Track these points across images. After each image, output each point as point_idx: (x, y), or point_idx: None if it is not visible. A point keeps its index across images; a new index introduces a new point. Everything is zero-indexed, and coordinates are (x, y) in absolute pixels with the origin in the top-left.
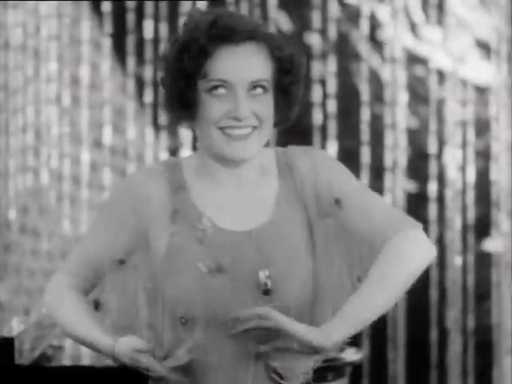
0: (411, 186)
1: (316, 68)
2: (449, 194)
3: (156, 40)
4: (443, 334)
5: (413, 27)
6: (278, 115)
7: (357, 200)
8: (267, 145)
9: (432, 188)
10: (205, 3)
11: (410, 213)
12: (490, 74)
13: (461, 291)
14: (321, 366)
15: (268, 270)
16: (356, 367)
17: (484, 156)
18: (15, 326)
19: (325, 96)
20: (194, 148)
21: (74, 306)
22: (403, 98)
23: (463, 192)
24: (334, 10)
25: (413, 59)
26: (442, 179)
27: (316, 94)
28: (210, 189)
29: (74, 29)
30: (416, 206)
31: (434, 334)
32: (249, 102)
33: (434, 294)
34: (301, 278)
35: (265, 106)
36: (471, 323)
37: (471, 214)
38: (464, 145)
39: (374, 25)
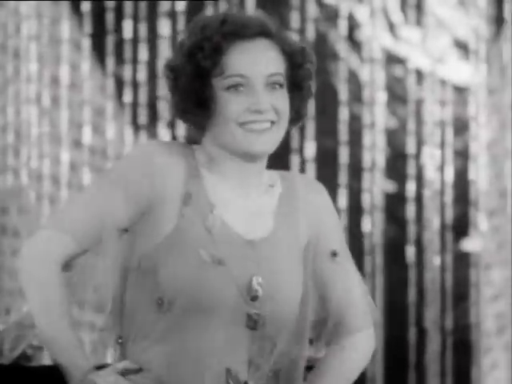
0: (389, 186)
1: None
2: (427, 193)
3: (135, 40)
4: (421, 333)
5: (391, 27)
6: (293, 111)
7: (347, 265)
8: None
9: (410, 188)
10: (184, 3)
11: (388, 213)
12: (469, 74)
13: (439, 291)
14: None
15: (261, 277)
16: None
17: (462, 156)
18: None
19: None
20: None
21: (52, 293)
22: (382, 98)
23: (441, 192)
24: (312, 10)
25: (391, 59)
26: (420, 179)
27: None
28: (220, 185)
29: (53, 29)
30: (394, 205)
31: (412, 334)
32: (267, 96)
33: (412, 293)
34: (290, 295)
35: (282, 100)
36: (449, 323)
37: (449, 214)
38: (442, 145)
39: (353, 25)
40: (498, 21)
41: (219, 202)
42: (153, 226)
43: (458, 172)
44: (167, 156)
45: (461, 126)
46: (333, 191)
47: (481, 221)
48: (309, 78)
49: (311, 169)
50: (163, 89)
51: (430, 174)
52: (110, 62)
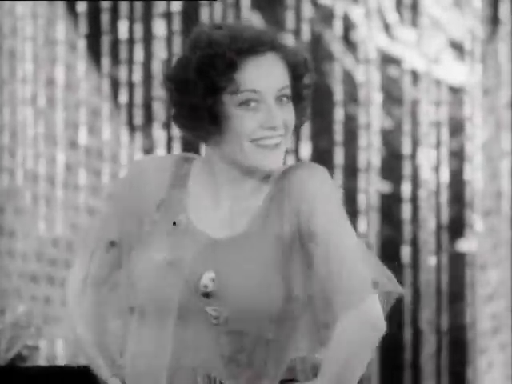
0: (385, 187)
1: None
2: (423, 194)
3: (131, 40)
4: (417, 334)
5: (387, 28)
6: (295, 122)
7: (330, 244)
8: None
9: (406, 188)
10: (179, 4)
11: (383, 213)
12: (464, 75)
13: (434, 291)
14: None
15: (215, 273)
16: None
17: (458, 156)
18: None
19: None
20: (169, 149)
21: (86, 315)
22: (377, 98)
23: (437, 192)
24: (307, 10)
25: (387, 60)
26: (415, 179)
27: None
28: (206, 191)
29: (49, 29)
30: (390, 206)
31: (407, 334)
32: (279, 112)
33: (407, 294)
34: (251, 290)
35: (290, 114)
36: (445, 323)
37: (445, 215)
38: (438, 145)
39: (348, 25)
40: (494, 21)
41: (195, 206)
42: (138, 238)
43: (454, 172)
44: (151, 171)
45: (456, 127)
46: None
47: (476, 221)
48: (310, 88)
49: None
50: (159, 89)
51: (426, 174)
52: (106, 62)
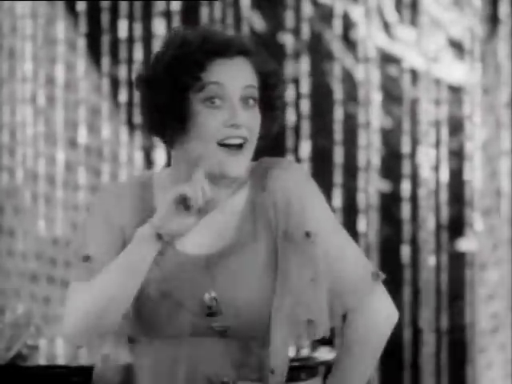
0: (385, 186)
1: (289, 68)
2: (422, 193)
3: (130, 40)
4: (417, 333)
5: (386, 27)
6: (262, 130)
7: (328, 243)
8: None
9: (405, 187)
10: (179, 3)
11: (383, 212)
12: (464, 74)
13: (434, 291)
14: (294, 365)
15: (215, 292)
16: (329, 366)
17: (457, 155)
18: None
19: (298, 96)
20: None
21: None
22: (377, 97)
23: (436, 192)
24: (307, 9)
25: (386, 59)
26: (415, 179)
27: (289, 93)
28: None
29: (48, 29)
30: (389, 205)
31: (407, 334)
32: (244, 112)
33: (407, 293)
34: (253, 301)
35: (255, 119)
36: (444, 323)
37: (444, 214)
38: (437, 144)
39: (348, 24)
40: (493, 20)
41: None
42: None
43: (453, 172)
44: (115, 204)
45: (456, 126)
46: (328, 191)
47: (476, 220)
48: (281, 98)
49: (306, 168)
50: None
51: (425, 173)
52: (106, 61)
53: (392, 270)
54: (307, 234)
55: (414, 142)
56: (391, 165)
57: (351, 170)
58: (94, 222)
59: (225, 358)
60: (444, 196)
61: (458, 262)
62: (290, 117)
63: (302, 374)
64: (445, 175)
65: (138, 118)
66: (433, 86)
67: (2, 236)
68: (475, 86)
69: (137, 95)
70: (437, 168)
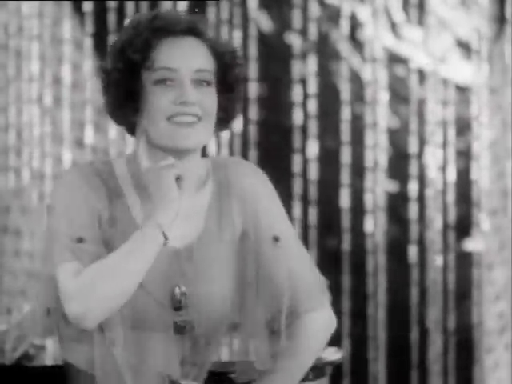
0: (392, 186)
1: (296, 68)
2: (429, 193)
3: None
4: (424, 333)
5: (393, 27)
6: (221, 112)
7: (292, 250)
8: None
9: (413, 188)
10: (185, 3)
11: (390, 212)
12: (471, 74)
13: (441, 291)
14: None
15: (185, 287)
16: (336, 367)
17: (465, 156)
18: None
19: (305, 96)
20: None
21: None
22: (384, 97)
23: (444, 192)
24: (314, 9)
25: (393, 59)
26: (422, 179)
27: (296, 93)
28: (147, 199)
29: (55, 29)
30: (396, 205)
31: (414, 334)
32: (195, 91)
33: (414, 293)
34: (217, 297)
35: (209, 97)
36: (452, 323)
37: (452, 214)
38: (444, 144)
39: (355, 24)
40: (500, 20)
41: (139, 214)
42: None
43: (460, 172)
44: (80, 187)
45: (463, 126)
46: (335, 191)
47: (483, 220)
48: (239, 79)
49: (313, 168)
50: None
51: (432, 173)
52: None
53: (399, 270)
54: (275, 239)
55: (422, 142)
56: (398, 165)
57: (358, 170)
58: (75, 202)
59: (174, 354)
60: (451, 196)
61: (465, 262)
62: (298, 117)
63: (309, 374)
64: (452, 175)
65: None
66: (440, 86)
67: (8, 236)
68: (482, 85)
69: (106, 98)
70: (444, 168)
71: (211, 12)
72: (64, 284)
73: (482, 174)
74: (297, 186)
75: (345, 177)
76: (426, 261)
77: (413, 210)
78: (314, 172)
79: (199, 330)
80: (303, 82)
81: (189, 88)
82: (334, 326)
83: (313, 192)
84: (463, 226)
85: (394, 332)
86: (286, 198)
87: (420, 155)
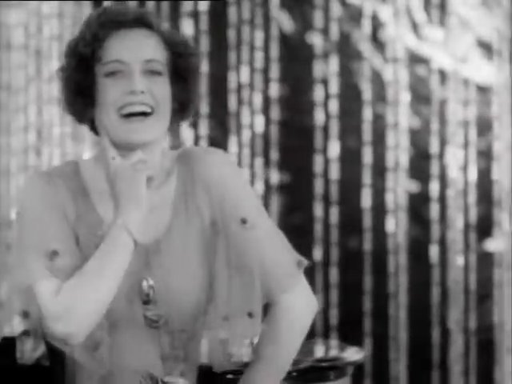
0: (413, 186)
1: (318, 68)
2: (451, 193)
3: None
4: (445, 333)
5: (415, 27)
6: (176, 103)
7: (261, 230)
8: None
9: (434, 188)
10: (206, 3)
11: (412, 212)
12: (492, 74)
13: (462, 291)
14: (322, 366)
15: (152, 280)
16: (358, 367)
17: (486, 156)
18: (16, 326)
19: (327, 96)
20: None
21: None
22: (405, 97)
23: (465, 192)
24: (335, 9)
25: (415, 59)
26: (443, 179)
27: (318, 93)
28: (110, 194)
29: (75, 29)
30: (418, 205)
31: (435, 334)
32: (144, 80)
33: (435, 294)
34: (187, 290)
35: (161, 87)
36: (473, 323)
37: (473, 214)
38: (466, 144)
39: (376, 25)
40: None
41: (108, 214)
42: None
43: (482, 172)
44: (51, 191)
45: (484, 126)
46: (356, 191)
47: (504, 220)
48: (193, 69)
49: (335, 168)
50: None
51: (454, 173)
52: None
53: (420, 270)
54: (243, 221)
55: (443, 143)
56: (419, 165)
57: (379, 170)
58: (43, 212)
59: (154, 350)
60: (472, 196)
61: (486, 262)
62: (319, 117)
63: (331, 374)
64: (473, 175)
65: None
66: (461, 86)
67: None
68: (503, 85)
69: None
70: (465, 168)
71: (232, 12)
72: (45, 304)
73: (503, 174)
74: (318, 186)
75: (366, 177)
76: (447, 261)
77: (434, 210)
78: (335, 172)
79: (175, 324)
80: (325, 82)
81: (137, 77)
82: (313, 306)
83: (334, 192)
84: (484, 226)
85: (415, 332)
86: (308, 198)
87: (441, 155)
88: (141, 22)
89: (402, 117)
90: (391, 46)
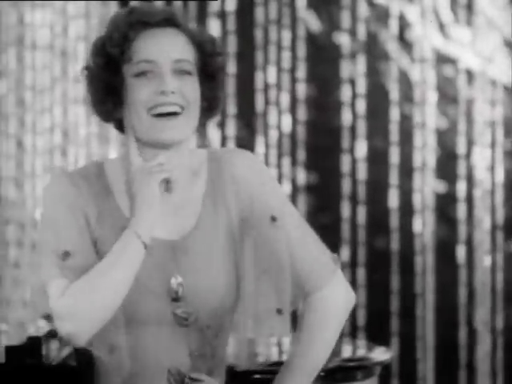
0: (440, 186)
1: (345, 68)
2: (478, 193)
3: None
4: (472, 334)
5: (442, 27)
6: (205, 102)
7: (292, 228)
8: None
9: (461, 188)
10: (234, 4)
11: (439, 213)
12: None
13: (489, 291)
14: (350, 366)
15: (181, 277)
16: (385, 367)
17: None
18: (42, 326)
19: (354, 96)
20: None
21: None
22: (432, 98)
23: (492, 192)
24: (363, 9)
25: (442, 59)
26: (470, 179)
27: (345, 93)
28: (135, 192)
29: (101, 29)
30: (445, 206)
31: (462, 334)
32: (175, 80)
33: (462, 294)
34: (215, 288)
35: (191, 86)
36: (500, 323)
37: (500, 214)
38: (493, 144)
39: (403, 25)
40: None
41: (128, 208)
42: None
43: (509, 172)
44: (73, 193)
45: (511, 126)
46: (384, 191)
47: None
48: (220, 68)
49: (362, 169)
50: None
51: (481, 173)
52: None
53: (447, 271)
54: (273, 218)
55: (470, 143)
56: (447, 165)
57: (407, 170)
58: (60, 213)
59: (183, 348)
60: (499, 196)
61: None
62: (346, 117)
63: (358, 374)
64: (500, 175)
65: None
66: (488, 86)
67: None
68: None
69: (88, 94)
70: (492, 168)
71: (260, 12)
72: (53, 303)
73: None
74: (345, 187)
75: (393, 177)
76: (474, 261)
77: (461, 210)
78: (362, 172)
79: (203, 322)
80: (352, 82)
81: (168, 77)
82: (350, 300)
83: (361, 192)
84: (511, 227)
85: (442, 332)
86: (335, 198)
87: (468, 155)
88: (169, 21)
89: (429, 117)
90: (418, 46)
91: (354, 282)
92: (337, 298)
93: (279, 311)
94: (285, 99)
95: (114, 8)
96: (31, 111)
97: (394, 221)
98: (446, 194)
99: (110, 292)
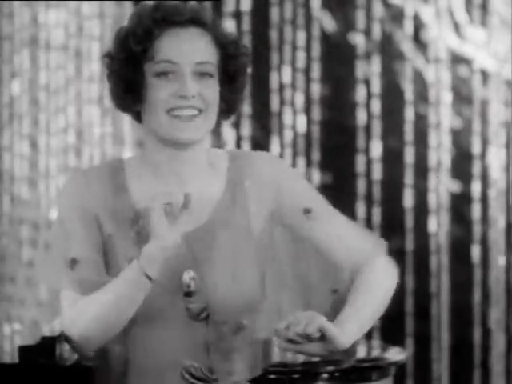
0: (455, 186)
1: (360, 68)
2: (492, 193)
3: None
4: (487, 333)
5: (457, 27)
6: (223, 103)
7: (328, 217)
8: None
9: (476, 188)
10: (249, 3)
11: (454, 213)
12: None
13: (504, 291)
14: (365, 366)
15: (194, 271)
16: (400, 367)
17: None
18: (56, 326)
19: (369, 96)
20: (238, 148)
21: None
22: (447, 98)
23: (507, 192)
24: (378, 10)
25: (457, 59)
26: (485, 179)
27: (360, 93)
28: (151, 188)
29: (116, 29)
30: (460, 205)
31: (477, 334)
32: (195, 83)
33: (477, 294)
34: (232, 284)
35: (211, 89)
36: None
37: None
38: (508, 145)
39: (418, 25)
40: None
41: (147, 205)
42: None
43: None
44: (86, 186)
45: None
46: (399, 191)
47: None
48: (242, 70)
49: (377, 168)
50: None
51: (496, 173)
52: None
53: (462, 270)
54: (306, 211)
55: (485, 143)
56: (462, 165)
57: (422, 170)
58: (70, 217)
59: (198, 342)
60: None
61: None
62: (361, 117)
63: (373, 374)
64: None
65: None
66: (503, 87)
67: None
68: None
69: (108, 87)
70: (507, 168)
71: (274, 12)
72: (63, 312)
73: None
74: (360, 186)
75: (408, 177)
76: (488, 261)
77: (476, 210)
78: (377, 172)
79: (219, 317)
80: (367, 82)
81: (189, 81)
82: (396, 274)
83: (376, 192)
84: None
85: (457, 332)
86: (350, 198)
87: (483, 155)
88: (194, 20)
89: (443, 117)
90: (433, 47)
91: None
92: (387, 264)
93: (335, 291)
94: (300, 99)
95: (128, 8)
96: (45, 111)
97: (409, 221)
98: (461, 193)
99: (114, 320)
